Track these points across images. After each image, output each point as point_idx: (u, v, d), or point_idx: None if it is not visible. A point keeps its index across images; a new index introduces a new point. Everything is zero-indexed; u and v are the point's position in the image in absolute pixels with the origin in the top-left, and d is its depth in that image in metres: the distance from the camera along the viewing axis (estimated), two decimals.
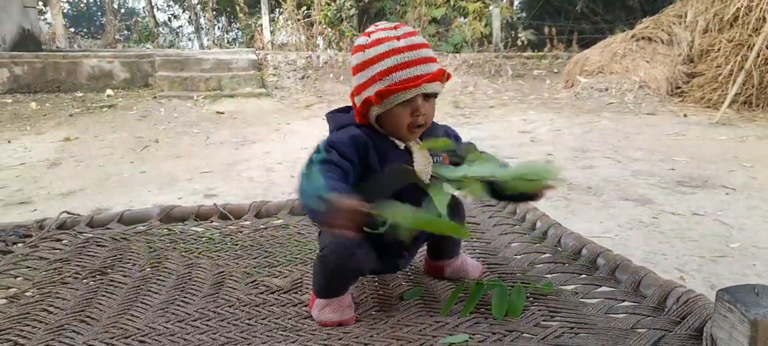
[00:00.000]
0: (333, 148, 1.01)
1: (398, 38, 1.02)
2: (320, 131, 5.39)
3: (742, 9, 6.37)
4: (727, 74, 6.36)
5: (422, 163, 1.07)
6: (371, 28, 1.07)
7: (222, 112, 6.55)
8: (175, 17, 15.65)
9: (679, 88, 6.91)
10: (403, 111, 1.03)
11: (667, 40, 7.20)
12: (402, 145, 1.08)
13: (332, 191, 0.88)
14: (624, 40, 7.65)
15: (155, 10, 14.31)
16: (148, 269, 1.26)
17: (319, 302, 1.06)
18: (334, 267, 1.03)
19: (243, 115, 6.44)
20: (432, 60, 1.05)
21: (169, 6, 15.48)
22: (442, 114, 6.74)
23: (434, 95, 1.07)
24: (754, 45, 5.95)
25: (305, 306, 1.10)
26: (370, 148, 1.04)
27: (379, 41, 1.03)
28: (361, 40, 1.06)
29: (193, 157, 4.42)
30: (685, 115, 6.04)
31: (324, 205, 0.86)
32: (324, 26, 9.99)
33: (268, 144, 4.93)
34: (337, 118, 1.12)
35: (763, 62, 6.09)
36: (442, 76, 1.06)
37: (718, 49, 6.58)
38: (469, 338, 0.96)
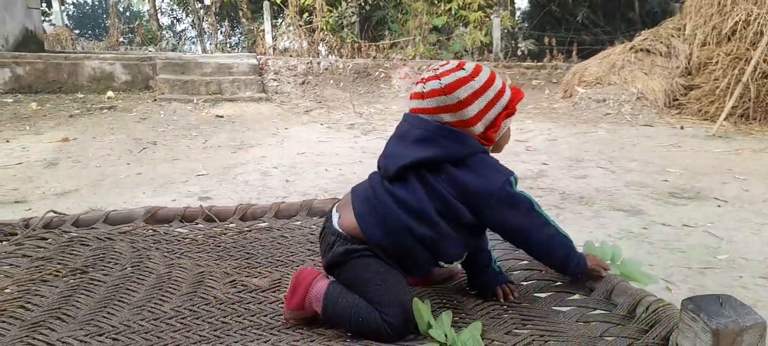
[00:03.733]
0: None
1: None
2: (318, 136, 5.40)
3: (740, 23, 6.40)
4: (724, 87, 6.38)
5: None
6: (453, 63, 1.11)
7: (221, 116, 6.58)
8: (178, 21, 15.74)
9: (677, 100, 6.93)
10: (511, 125, 1.17)
11: (666, 53, 7.23)
12: None
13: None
14: (623, 51, 7.68)
15: (159, 13, 14.38)
16: (128, 269, 1.27)
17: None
18: (395, 334, 0.99)
19: (242, 119, 6.47)
20: None
21: (172, 10, 15.57)
22: None
23: None
24: (751, 58, 5.98)
25: (282, 304, 1.11)
26: None
27: (478, 69, 1.10)
28: (458, 74, 1.08)
29: (190, 160, 4.44)
30: (682, 127, 6.05)
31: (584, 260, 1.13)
32: (326, 32, 10.04)
33: (265, 148, 4.95)
34: (472, 142, 1.09)
35: (760, 76, 6.11)
36: None
37: (716, 62, 6.60)
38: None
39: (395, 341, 0.99)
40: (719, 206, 3.15)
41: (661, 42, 7.38)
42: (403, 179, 1.07)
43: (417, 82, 1.13)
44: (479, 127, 1.09)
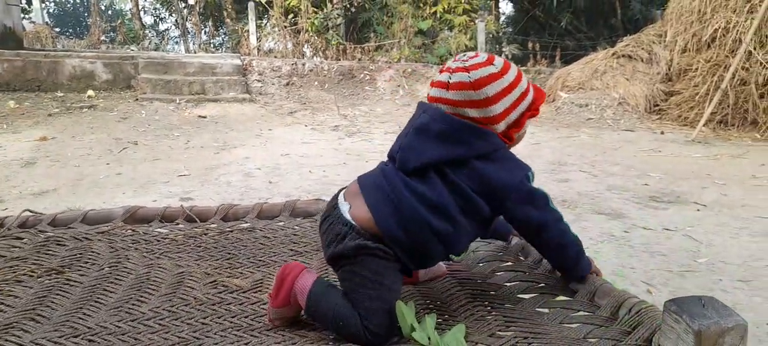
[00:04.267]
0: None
1: None
2: (302, 138, 5.37)
3: (720, 30, 6.52)
4: (703, 93, 6.49)
5: None
6: (482, 56, 1.09)
7: (204, 116, 6.51)
8: (161, 20, 15.58)
9: (658, 105, 7.04)
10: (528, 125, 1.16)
11: (647, 59, 7.34)
12: None
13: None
14: (605, 57, 7.78)
15: (142, 12, 14.22)
16: (106, 269, 1.24)
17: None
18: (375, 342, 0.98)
19: (225, 120, 6.41)
20: None
21: (155, 9, 15.40)
22: None
23: None
24: (730, 66, 6.08)
25: (263, 305, 1.10)
26: None
27: (507, 66, 1.08)
28: (488, 69, 1.06)
29: (171, 161, 4.39)
30: (662, 133, 6.14)
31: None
32: (311, 34, 10.00)
33: (248, 149, 4.91)
34: (495, 139, 1.07)
35: (738, 83, 6.23)
36: None
37: (696, 69, 6.72)
38: None
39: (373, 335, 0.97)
40: (699, 210, 3.19)
41: (642, 48, 7.49)
42: (422, 173, 1.04)
43: (441, 70, 1.09)
44: (502, 126, 1.08)
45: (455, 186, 1.03)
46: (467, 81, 1.04)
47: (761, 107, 6.11)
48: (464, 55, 1.09)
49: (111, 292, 1.14)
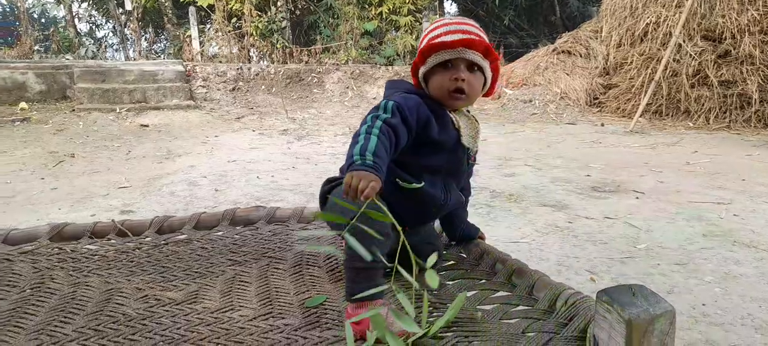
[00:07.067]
0: (399, 111, 1.08)
1: (454, 22, 1.19)
2: (250, 143, 5.26)
3: (651, 24, 6.81)
4: (639, 86, 6.76)
5: (468, 134, 1.23)
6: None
7: (146, 125, 6.30)
8: (97, 27, 14.97)
9: (597, 98, 7.28)
10: (444, 74, 1.16)
11: (585, 54, 7.59)
12: (454, 119, 1.20)
13: (375, 157, 0.96)
14: (546, 53, 8.00)
15: (76, 19, 13.60)
16: (27, 291, 1.17)
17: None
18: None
19: (168, 128, 6.22)
20: (475, 35, 1.16)
21: (91, 16, 14.78)
22: None
23: (478, 67, 1.17)
24: (662, 58, 6.36)
25: (199, 315, 1.05)
26: (431, 119, 1.14)
27: (437, 21, 1.21)
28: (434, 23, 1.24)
29: (111, 172, 4.21)
30: (603, 125, 6.35)
31: (358, 166, 0.95)
32: (256, 38, 9.84)
33: (193, 157, 4.77)
34: (401, 84, 1.24)
35: (670, 74, 6.52)
36: (483, 49, 1.15)
37: (631, 63, 6.99)
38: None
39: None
40: (637, 197, 3.31)
41: (580, 44, 7.74)
42: None
43: None
44: (418, 74, 1.21)
45: None
46: None
47: (692, 97, 6.42)
48: None
49: (31, 314, 1.07)
